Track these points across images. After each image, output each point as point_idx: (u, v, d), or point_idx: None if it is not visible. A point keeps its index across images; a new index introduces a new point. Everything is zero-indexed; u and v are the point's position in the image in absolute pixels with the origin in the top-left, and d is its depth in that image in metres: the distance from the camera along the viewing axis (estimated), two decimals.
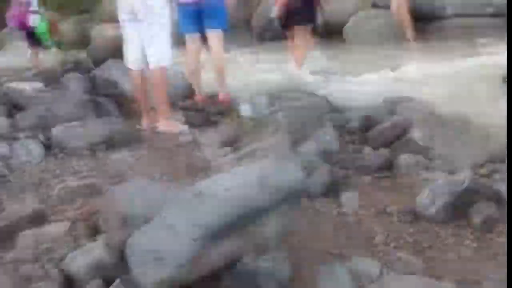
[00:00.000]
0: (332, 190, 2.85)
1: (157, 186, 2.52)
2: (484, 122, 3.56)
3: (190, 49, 5.33)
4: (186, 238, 1.76)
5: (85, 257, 2.09)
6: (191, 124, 4.56)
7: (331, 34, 9.86)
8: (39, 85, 5.28)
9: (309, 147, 3.23)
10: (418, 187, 2.83)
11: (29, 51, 8.26)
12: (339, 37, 10.02)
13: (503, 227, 2.46)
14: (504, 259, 2.17)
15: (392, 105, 4.19)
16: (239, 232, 1.86)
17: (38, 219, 2.70)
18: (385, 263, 2.20)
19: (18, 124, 4.33)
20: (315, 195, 2.76)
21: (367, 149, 3.42)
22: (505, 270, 1.97)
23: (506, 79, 4.55)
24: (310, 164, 2.81)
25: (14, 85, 5.30)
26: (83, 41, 10.69)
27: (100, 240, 2.20)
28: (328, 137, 3.33)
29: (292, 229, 2.19)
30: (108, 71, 5.54)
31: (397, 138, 3.44)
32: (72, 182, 3.22)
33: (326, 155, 3.18)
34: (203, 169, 3.24)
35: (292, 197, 2.03)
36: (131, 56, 4.43)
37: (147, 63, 4.38)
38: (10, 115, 4.58)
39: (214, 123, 4.65)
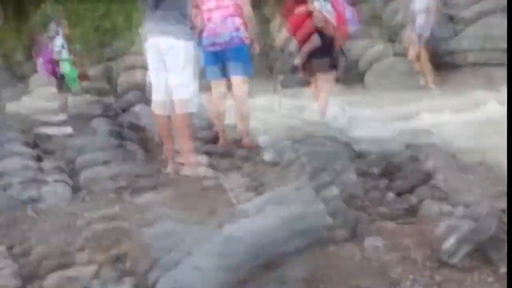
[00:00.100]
0: (356, 234, 2.86)
1: (185, 229, 2.57)
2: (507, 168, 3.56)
3: (215, 94, 5.45)
4: (214, 281, 1.80)
5: None
6: (215, 168, 4.62)
7: (352, 80, 10.01)
8: (67, 129, 5.40)
9: (333, 192, 3.25)
10: (442, 233, 2.83)
11: (58, 96, 8.51)
12: (361, 83, 10.15)
13: None
14: None
15: (415, 151, 4.22)
16: (266, 275, 1.88)
17: (65, 261, 2.75)
18: None
19: (47, 168, 4.43)
20: (339, 240, 2.77)
21: (390, 194, 3.43)
22: None
23: None
24: (334, 209, 2.84)
25: (43, 129, 5.43)
26: (110, 87, 10.96)
27: (128, 282, 2.24)
28: (351, 182, 3.36)
29: (316, 273, 2.21)
30: (135, 116, 5.67)
31: (421, 184, 3.46)
32: (99, 225, 3.28)
33: (350, 200, 3.20)
34: (229, 213, 3.28)
35: (317, 242, 2.06)
36: (158, 101, 4.52)
37: (173, 108, 4.47)
38: (39, 158, 4.68)
39: (238, 168, 4.70)
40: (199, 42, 5.18)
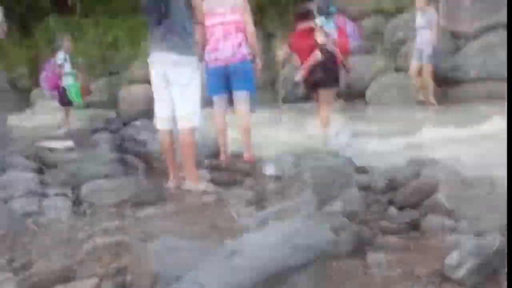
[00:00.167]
0: (359, 250, 2.85)
1: (187, 244, 2.55)
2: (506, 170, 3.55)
3: (217, 109, 5.47)
4: None
5: None
6: (216, 183, 4.62)
7: (353, 96, 10.05)
8: (69, 143, 5.42)
9: (335, 207, 3.25)
10: (445, 249, 2.81)
11: (60, 110, 8.55)
12: (362, 99, 10.18)
13: None
14: None
15: (417, 167, 4.21)
16: None
17: (66, 275, 2.73)
18: None
19: (48, 181, 4.43)
20: (342, 255, 2.76)
21: (392, 209, 3.43)
22: None
23: None
24: (337, 224, 2.83)
25: (45, 143, 5.45)
26: (112, 101, 11.01)
27: None
28: (353, 197, 3.35)
29: None
30: (136, 130, 5.68)
31: (423, 200, 3.45)
32: (100, 239, 3.26)
33: (352, 215, 3.19)
34: (231, 228, 3.27)
35: (320, 257, 2.04)
36: (161, 116, 4.54)
37: (176, 123, 4.48)
38: (40, 172, 4.69)
39: (240, 182, 4.71)
40: (201, 57, 5.20)
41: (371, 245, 2.93)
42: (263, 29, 11.02)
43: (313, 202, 3.29)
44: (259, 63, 5.59)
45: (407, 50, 9.93)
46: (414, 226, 3.18)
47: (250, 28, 5.41)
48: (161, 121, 4.55)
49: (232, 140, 5.58)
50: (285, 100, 9.36)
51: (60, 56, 8.66)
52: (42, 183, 4.38)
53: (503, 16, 9.19)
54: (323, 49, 6.50)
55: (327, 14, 6.68)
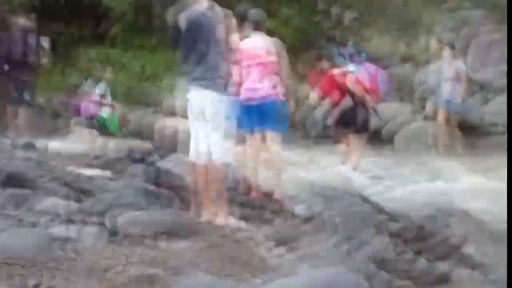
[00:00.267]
0: None
1: (218, 282, 2.62)
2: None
3: (249, 146, 5.60)
4: None
5: None
6: (246, 219, 4.70)
7: (381, 142, 10.10)
8: (107, 172, 5.58)
9: (365, 253, 3.31)
10: None
11: (98, 139, 8.79)
12: (390, 145, 10.23)
13: None
14: None
15: (445, 217, 4.26)
16: None
17: None
18: None
19: (86, 209, 4.55)
20: None
21: (422, 260, 3.46)
22: None
23: None
24: (367, 271, 2.89)
25: (83, 171, 5.61)
26: (147, 133, 11.20)
27: None
28: (383, 244, 3.41)
29: None
30: (171, 163, 5.83)
31: (452, 252, 3.49)
32: (135, 270, 3.36)
33: (381, 263, 3.24)
34: (261, 268, 3.34)
35: None
36: (196, 151, 4.65)
37: (209, 158, 4.61)
38: (79, 199, 4.83)
39: (269, 221, 4.78)
40: (236, 96, 5.38)
41: None
42: (296, 71, 11.21)
43: (343, 247, 3.37)
44: (292, 105, 5.73)
45: (435, 100, 9.98)
46: (443, 279, 3.21)
47: (285, 69, 5.57)
48: (195, 155, 4.67)
49: (263, 178, 5.68)
50: (316, 141, 9.48)
51: (101, 87, 8.95)
52: (81, 210, 4.50)
53: None
54: (353, 95, 6.63)
55: (358, 60, 6.85)
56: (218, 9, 4.48)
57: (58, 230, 3.97)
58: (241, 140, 5.62)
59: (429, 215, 4.36)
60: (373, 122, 6.96)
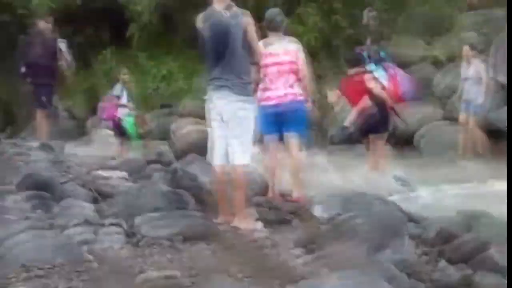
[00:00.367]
0: None
1: (238, 286, 2.59)
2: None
3: (269, 148, 5.57)
4: None
5: None
6: (264, 221, 4.66)
7: (402, 142, 10.00)
8: (123, 174, 5.57)
9: (386, 256, 3.25)
10: None
11: (115, 141, 8.82)
12: (410, 146, 10.12)
13: None
14: None
15: (468, 220, 4.18)
16: None
17: None
18: None
19: (103, 211, 4.54)
20: None
21: (443, 263, 3.40)
22: None
23: None
24: (388, 274, 2.83)
25: (100, 172, 5.61)
26: (164, 134, 11.25)
27: None
28: (405, 247, 3.34)
29: None
30: (189, 165, 5.80)
31: (475, 255, 3.41)
32: (153, 272, 3.34)
33: (403, 266, 3.18)
34: (280, 270, 3.30)
35: None
36: (215, 153, 4.63)
37: (230, 162, 4.57)
38: (96, 201, 4.82)
39: (288, 222, 4.74)
40: (256, 98, 5.34)
41: None
42: (314, 71, 11.16)
43: (364, 250, 3.30)
44: (310, 104, 5.68)
45: (456, 100, 9.87)
46: (466, 282, 3.14)
47: (304, 70, 5.52)
48: (215, 157, 4.65)
49: (282, 179, 5.64)
50: (334, 142, 9.42)
51: (118, 88, 8.99)
52: (98, 212, 4.49)
53: None
54: (373, 95, 6.56)
55: (378, 60, 6.77)
56: (237, 10, 4.45)
57: (76, 232, 3.96)
58: (258, 141, 5.59)
59: (450, 217, 4.29)
60: (395, 123, 6.87)
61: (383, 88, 6.67)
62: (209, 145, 4.74)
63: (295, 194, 5.43)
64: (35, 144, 7.99)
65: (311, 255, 3.56)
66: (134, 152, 7.33)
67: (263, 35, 5.33)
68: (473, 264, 3.34)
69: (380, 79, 6.65)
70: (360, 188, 5.80)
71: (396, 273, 2.94)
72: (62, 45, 8.40)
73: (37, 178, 4.80)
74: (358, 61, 6.80)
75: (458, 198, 5.74)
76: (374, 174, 6.46)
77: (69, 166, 5.91)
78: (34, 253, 3.31)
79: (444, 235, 3.79)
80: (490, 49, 10.17)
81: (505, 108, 9.54)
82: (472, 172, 7.49)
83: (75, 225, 4.07)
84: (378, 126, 6.53)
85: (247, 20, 4.45)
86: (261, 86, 5.48)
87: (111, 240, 3.94)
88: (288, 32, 5.75)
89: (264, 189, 5.56)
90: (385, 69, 6.77)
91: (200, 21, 4.49)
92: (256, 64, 4.85)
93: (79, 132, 12.20)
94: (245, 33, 4.43)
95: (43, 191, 4.60)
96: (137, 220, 4.21)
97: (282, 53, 5.45)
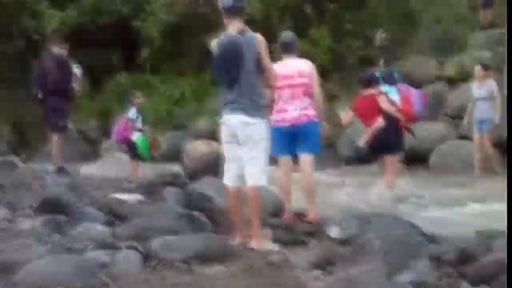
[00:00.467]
0: None
1: None
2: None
3: (282, 169, 5.57)
4: None
5: None
6: (280, 241, 4.64)
7: (415, 161, 9.96)
8: (139, 196, 5.59)
9: (405, 277, 3.21)
10: None
11: (129, 163, 8.87)
12: (424, 164, 10.08)
13: None
14: None
15: (487, 240, 4.13)
16: None
17: None
18: None
19: (119, 234, 4.55)
20: None
21: (465, 285, 3.35)
22: None
23: None
24: None
25: (115, 195, 5.63)
26: (177, 156, 11.29)
27: None
28: (424, 268, 3.30)
29: None
30: (203, 186, 5.81)
31: (497, 275, 3.35)
32: None
33: (422, 287, 3.14)
34: None
35: None
36: (230, 174, 4.64)
37: (243, 182, 4.57)
38: (111, 224, 4.83)
39: (303, 243, 4.71)
40: (268, 118, 5.35)
41: None
42: (326, 91, 11.21)
43: (382, 271, 3.27)
44: (324, 125, 5.70)
45: (466, 119, 9.83)
46: None
47: (317, 91, 5.55)
48: (230, 178, 4.65)
49: (296, 199, 5.62)
50: (348, 161, 9.41)
51: (132, 111, 9.06)
52: (113, 235, 4.50)
53: None
54: (386, 115, 6.56)
55: (391, 81, 6.79)
56: (250, 33, 4.50)
57: (94, 256, 3.97)
58: (273, 163, 5.58)
59: (469, 237, 4.24)
60: (409, 142, 6.85)
61: (397, 108, 6.67)
62: (224, 166, 4.72)
63: (311, 215, 5.41)
64: (50, 167, 8.06)
65: (330, 277, 3.53)
66: (148, 174, 7.35)
67: (276, 58, 5.37)
68: (495, 285, 3.28)
69: (393, 99, 6.66)
70: (375, 208, 5.77)
71: None
72: (77, 70, 8.51)
73: (54, 202, 4.84)
74: (371, 82, 6.82)
75: (474, 217, 5.68)
76: (388, 193, 6.42)
77: (85, 190, 5.94)
78: (52, 277, 3.32)
79: (465, 255, 3.73)
80: (504, 67, 10.15)
81: None
82: (487, 190, 7.42)
83: (92, 249, 4.08)
84: (392, 146, 6.52)
85: (260, 43, 4.49)
86: (275, 107, 5.51)
87: (128, 263, 3.94)
88: (300, 54, 5.78)
89: (279, 210, 5.55)
90: (398, 90, 6.78)
91: (214, 45, 4.54)
92: (270, 86, 4.88)
93: (94, 154, 12.28)
94: (258, 56, 4.47)
95: (60, 215, 4.63)
96: (153, 242, 4.20)
97: (296, 75, 5.49)
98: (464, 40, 12.16)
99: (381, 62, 6.96)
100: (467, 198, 6.85)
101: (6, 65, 13.74)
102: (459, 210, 6.27)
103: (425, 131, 10.06)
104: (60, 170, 7.85)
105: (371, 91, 6.77)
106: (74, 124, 10.68)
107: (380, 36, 7.12)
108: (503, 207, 6.37)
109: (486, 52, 11.21)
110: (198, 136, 11.47)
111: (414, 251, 3.51)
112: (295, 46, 5.64)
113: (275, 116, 5.50)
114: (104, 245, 4.19)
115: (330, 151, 10.07)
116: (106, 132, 10.94)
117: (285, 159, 5.59)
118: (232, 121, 4.55)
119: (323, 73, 9.00)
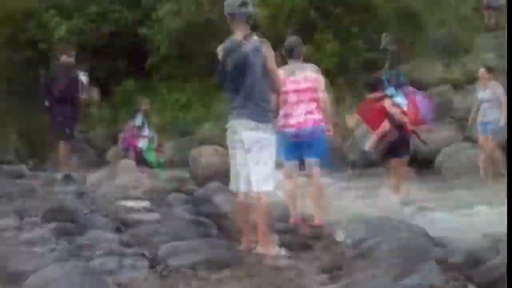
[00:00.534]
0: None
1: None
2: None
3: (289, 174, 5.57)
4: None
5: None
6: (286, 246, 4.63)
7: (421, 163, 9.93)
8: (146, 203, 5.61)
9: (412, 281, 3.20)
10: None
11: (136, 169, 8.90)
12: (430, 168, 10.05)
13: None
14: None
15: (494, 243, 4.11)
16: None
17: None
18: None
19: (126, 240, 4.57)
20: None
21: None
22: None
23: None
24: None
25: (123, 202, 5.66)
26: (184, 162, 11.31)
27: None
28: (431, 272, 3.29)
29: None
30: (210, 192, 5.83)
31: (504, 278, 3.34)
32: None
33: None
34: None
35: None
36: (237, 180, 4.62)
37: (250, 187, 4.58)
38: (118, 231, 4.85)
39: (310, 247, 4.71)
40: (274, 124, 5.36)
41: None
42: (332, 95, 11.21)
43: (389, 275, 3.27)
44: (331, 130, 5.70)
45: (470, 122, 9.79)
46: None
47: (324, 96, 5.55)
48: (237, 184, 4.65)
49: (303, 204, 5.62)
50: (354, 166, 9.39)
51: (139, 118, 9.10)
52: (121, 242, 4.51)
53: None
54: (393, 119, 6.56)
55: (397, 84, 6.78)
56: (256, 39, 4.51)
57: (101, 263, 3.98)
58: (281, 169, 5.59)
59: (476, 240, 4.22)
60: (416, 146, 6.83)
61: (403, 112, 6.66)
62: (231, 172, 4.72)
63: (317, 220, 5.40)
64: (58, 175, 8.10)
65: (337, 282, 3.52)
66: (156, 181, 7.38)
67: (282, 63, 5.38)
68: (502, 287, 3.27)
69: (399, 103, 6.65)
70: (382, 212, 5.76)
71: None
72: (83, 77, 8.55)
73: (62, 210, 4.87)
74: (377, 86, 6.82)
75: (480, 220, 5.66)
76: (395, 198, 6.41)
77: (92, 197, 5.97)
78: (61, 285, 3.32)
79: (472, 259, 3.72)
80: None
81: None
82: (494, 193, 7.39)
83: (100, 256, 4.09)
84: (399, 150, 6.51)
85: (266, 49, 4.50)
86: (281, 112, 5.51)
87: (135, 269, 3.95)
88: (306, 59, 5.80)
89: (285, 215, 5.55)
90: (405, 93, 6.77)
91: (221, 51, 4.55)
92: (277, 91, 4.89)
93: (101, 162, 12.31)
94: (264, 61, 4.48)
95: (68, 223, 4.66)
96: (161, 249, 4.22)
97: (302, 80, 5.49)
98: (469, 42, 12.14)
99: (386, 65, 6.96)
100: (474, 200, 6.82)
101: (13, 74, 13.82)
102: (465, 212, 6.25)
103: (431, 135, 10.02)
104: (67, 178, 7.89)
105: (377, 94, 6.77)
106: (82, 131, 10.72)
107: (385, 39, 7.12)
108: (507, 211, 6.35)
109: (492, 54, 11.18)
110: (205, 142, 11.49)
111: (421, 255, 3.50)
112: (301, 51, 5.65)
113: (282, 122, 5.50)
114: (111, 252, 4.20)
115: (337, 155, 10.06)
116: (114, 140, 10.97)
117: (291, 163, 5.59)
118: (239, 127, 4.55)
119: (328, 76, 9.00)
